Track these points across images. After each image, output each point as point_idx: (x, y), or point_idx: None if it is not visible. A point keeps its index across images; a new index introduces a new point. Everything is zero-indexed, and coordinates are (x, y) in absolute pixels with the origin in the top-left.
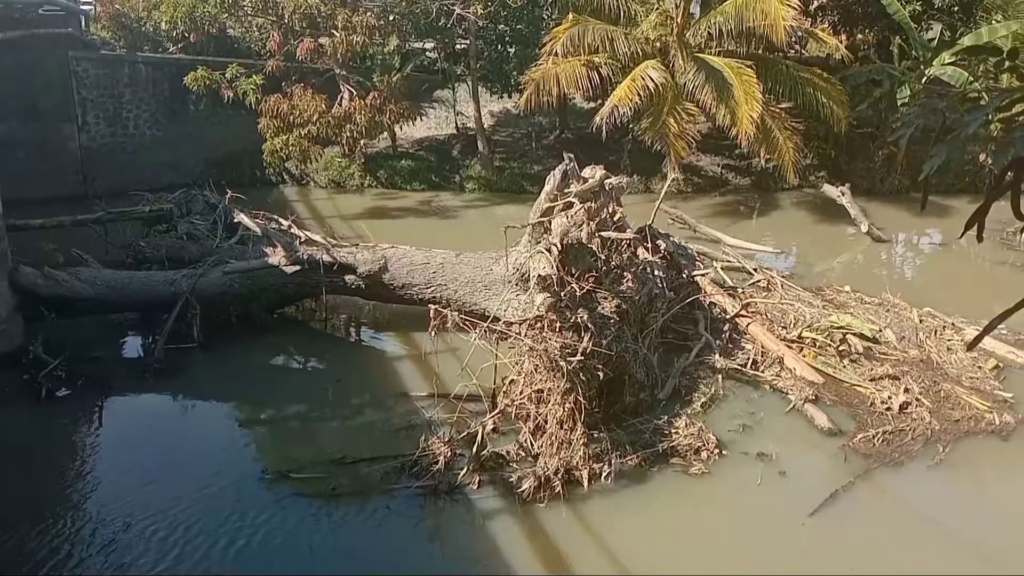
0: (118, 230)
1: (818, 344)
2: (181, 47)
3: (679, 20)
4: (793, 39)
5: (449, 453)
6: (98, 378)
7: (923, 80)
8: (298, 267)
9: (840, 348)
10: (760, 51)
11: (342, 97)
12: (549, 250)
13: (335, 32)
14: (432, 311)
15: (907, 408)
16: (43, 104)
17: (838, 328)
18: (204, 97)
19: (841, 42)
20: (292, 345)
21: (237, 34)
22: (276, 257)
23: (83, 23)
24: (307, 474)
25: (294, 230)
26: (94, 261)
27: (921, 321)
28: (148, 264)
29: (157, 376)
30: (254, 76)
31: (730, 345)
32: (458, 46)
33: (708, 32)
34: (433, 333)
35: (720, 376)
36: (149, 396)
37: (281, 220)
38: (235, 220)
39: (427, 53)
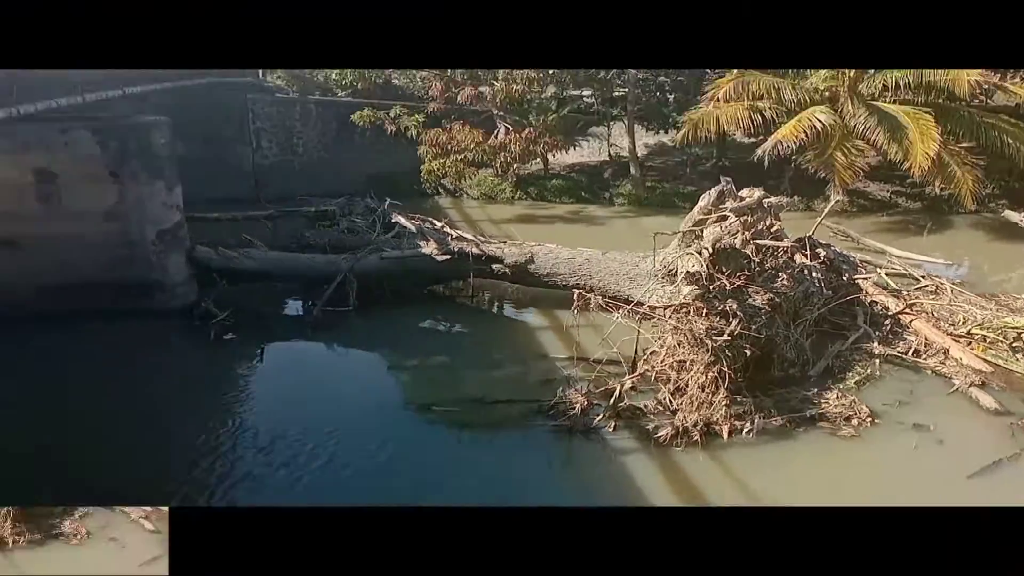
0: (285, 226)
1: (988, 340)
2: (349, 94)
3: (852, 73)
4: (978, 92)
5: (585, 402)
6: (261, 327)
7: None
8: (448, 256)
9: (1013, 344)
10: (940, 100)
11: (498, 131)
12: (700, 252)
13: (495, 82)
14: (576, 294)
15: None
16: (223, 132)
17: (1013, 328)
18: (368, 131)
19: None
20: (440, 313)
21: (401, 83)
22: (429, 247)
23: (260, 72)
24: (448, 407)
25: (446, 229)
26: (262, 244)
27: None
28: (312, 251)
29: (315, 329)
30: (416, 115)
31: (890, 336)
32: (615, 93)
33: (883, 84)
34: (576, 312)
35: (877, 360)
36: (306, 344)
37: (434, 221)
38: (392, 220)
39: (584, 99)
